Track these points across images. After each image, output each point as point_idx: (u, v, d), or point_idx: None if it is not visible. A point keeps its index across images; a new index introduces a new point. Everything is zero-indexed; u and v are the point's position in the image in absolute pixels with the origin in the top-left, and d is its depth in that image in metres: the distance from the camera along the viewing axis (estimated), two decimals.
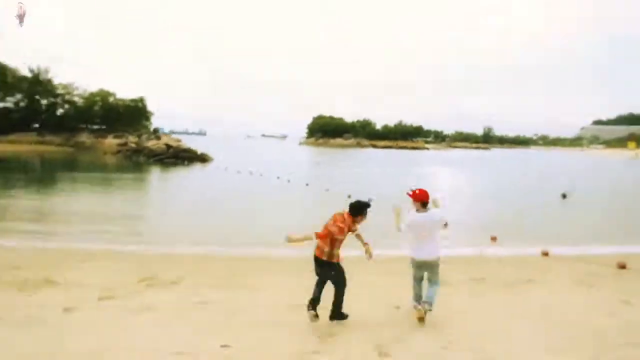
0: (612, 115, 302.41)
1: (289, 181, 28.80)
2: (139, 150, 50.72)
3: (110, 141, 59.22)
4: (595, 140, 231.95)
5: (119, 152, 52.11)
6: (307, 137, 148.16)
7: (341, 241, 5.27)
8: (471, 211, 18.90)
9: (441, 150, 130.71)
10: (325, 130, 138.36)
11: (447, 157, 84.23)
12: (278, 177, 30.64)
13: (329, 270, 5.31)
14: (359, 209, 5.33)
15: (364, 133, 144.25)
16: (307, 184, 27.04)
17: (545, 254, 10.98)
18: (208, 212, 17.56)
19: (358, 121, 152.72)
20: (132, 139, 57.01)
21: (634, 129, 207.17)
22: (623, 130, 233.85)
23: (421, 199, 5.81)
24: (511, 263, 9.64)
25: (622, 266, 9.25)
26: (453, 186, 31.54)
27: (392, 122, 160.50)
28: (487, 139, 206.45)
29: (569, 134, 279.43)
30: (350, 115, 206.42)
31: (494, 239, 12.90)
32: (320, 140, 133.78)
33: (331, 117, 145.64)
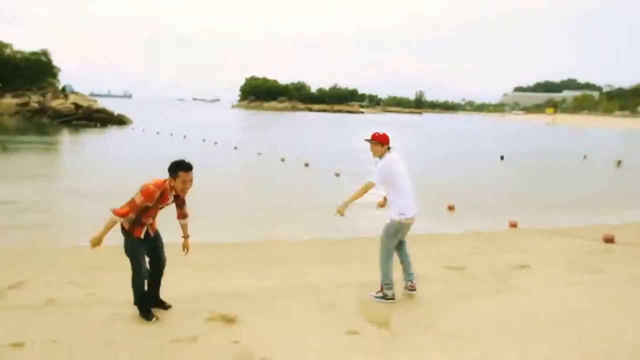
0: (531, 82, 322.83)
1: (215, 144, 25.62)
2: (42, 111, 44.17)
3: (8, 101, 51.22)
4: (516, 106, 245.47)
5: (17, 112, 45.11)
6: (240, 100, 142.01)
7: (144, 213, 3.86)
8: (418, 176, 17.15)
9: (376, 114, 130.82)
10: (258, 92, 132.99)
11: (382, 121, 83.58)
12: (204, 140, 27.30)
13: None
14: (170, 170, 3.87)
15: (299, 96, 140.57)
16: (235, 148, 24.06)
17: (514, 225, 9.29)
18: (114, 182, 14.25)
19: (292, 84, 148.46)
20: (34, 98, 49.65)
21: (551, 96, 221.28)
22: (540, 97, 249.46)
23: (388, 141, 4.68)
24: (484, 241, 7.72)
25: (610, 239, 7.67)
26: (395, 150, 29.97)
27: (327, 85, 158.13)
28: (419, 104, 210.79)
29: (493, 99, 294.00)
30: (284, 77, 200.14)
31: (451, 208, 11.09)
32: (253, 104, 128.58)
33: (264, 79, 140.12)
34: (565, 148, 35.70)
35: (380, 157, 4.58)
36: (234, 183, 14.30)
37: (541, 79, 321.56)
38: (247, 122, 63.09)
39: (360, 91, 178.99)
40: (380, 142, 4.58)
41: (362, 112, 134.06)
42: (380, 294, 4.62)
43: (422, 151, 28.84)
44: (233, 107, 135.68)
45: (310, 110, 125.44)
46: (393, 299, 4.58)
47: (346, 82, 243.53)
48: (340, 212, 4.51)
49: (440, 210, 10.93)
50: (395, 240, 4.59)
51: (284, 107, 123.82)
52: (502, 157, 24.28)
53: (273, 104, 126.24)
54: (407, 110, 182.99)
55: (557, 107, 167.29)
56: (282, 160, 18.97)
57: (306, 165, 17.66)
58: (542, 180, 17.66)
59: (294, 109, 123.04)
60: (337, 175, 15.46)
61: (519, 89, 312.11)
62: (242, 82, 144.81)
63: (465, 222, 9.90)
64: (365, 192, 4.46)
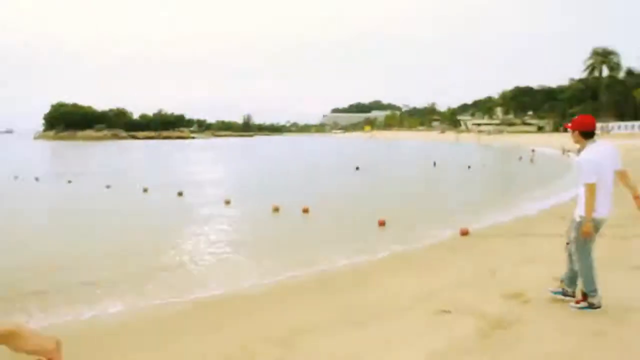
0: (346, 104, 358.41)
1: (16, 178, 20.11)
2: None
3: None
4: (335, 126, 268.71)
5: None
6: (45, 130, 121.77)
7: None
8: (292, 193, 15.84)
9: (208, 139, 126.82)
10: (70, 120, 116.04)
11: (218, 145, 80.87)
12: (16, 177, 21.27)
13: None
14: None
15: (120, 123, 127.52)
16: (36, 179, 19.22)
17: (466, 233, 8.59)
18: None
19: (111, 110, 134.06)
20: None
21: (365, 115, 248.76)
22: (355, 116, 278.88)
23: (592, 127, 4.07)
24: (460, 257, 6.68)
25: None
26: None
27: (150, 111, 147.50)
28: (248, 128, 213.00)
29: (314, 120, 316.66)
30: (100, 104, 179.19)
31: (382, 223, 9.94)
32: (64, 134, 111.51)
33: (75, 105, 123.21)
34: (404, 159, 39.08)
35: (583, 148, 4.01)
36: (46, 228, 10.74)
37: (353, 101, 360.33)
38: (63, 153, 53.49)
39: (187, 116, 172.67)
40: (580, 130, 3.99)
41: (194, 137, 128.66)
42: (584, 304, 4.04)
43: (287, 169, 27.86)
44: (36, 138, 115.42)
45: (135, 138, 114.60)
46: (600, 306, 4.01)
47: (171, 107, 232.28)
48: (587, 233, 3.93)
49: (370, 227, 9.74)
50: (592, 240, 4.05)
51: (102, 135, 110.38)
52: (357, 168, 25.17)
53: (89, 132, 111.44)
54: (237, 133, 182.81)
55: (372, 124, 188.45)
56: (145, 190, 15.55)
57: (180, 194, 14.79)
58: (425, 187, 18.22)
59: (115, 137, 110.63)
60: (228, 202, 13.14)
61: (335, 110, 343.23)
62: (46, 109, 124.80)
63: (411, 235, 8.87)
64: (593, 196, 3.86)
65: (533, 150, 34.55)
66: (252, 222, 10.56)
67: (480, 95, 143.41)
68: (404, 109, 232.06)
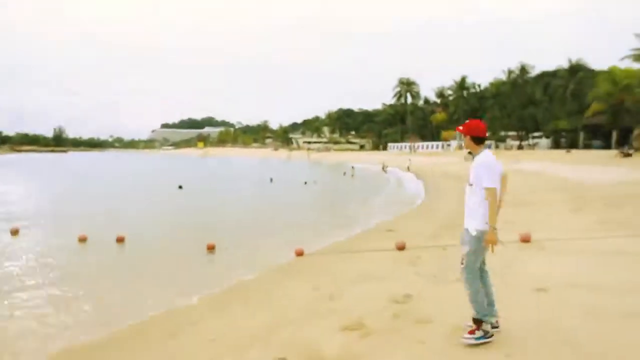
0: (176, 120, 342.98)
1: None
2: None
3: None
4: (165, 142, 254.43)
5: None
6: None
7: None
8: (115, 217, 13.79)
9: (5, 155, 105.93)
10: None
11: (20, 161, 67.96)
12: None
13: None
14: None
15: None
16: None
17: (300, 254, 8.17)
18: None
19: None
20: None
21: (197, 132, 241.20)
22: (186, 132, 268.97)
23: (485, 133, 3.79)
24: (297, 282, 6.20)
25: (401, 247, 7.68)
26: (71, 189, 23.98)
27: None
28: (60, 142, 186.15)
29: (142, 136, 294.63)
30: None
31: (211, 247, 8.90)
32: None
33: None
34: (239, 175, 38.35)
35: (477, 154, 3.73)
36: None
37: (185, 116, 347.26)
38: None
39: None
40: (472, 135, 3.71)
41: None
42: (480, 333, 3.56)
43: (100, 188, 24.30)
44: None
45: None
46: (492, 335, 3.60)
47: None
48: (494, 241, 3.50)
49: (198, 251, 8.66)
50: (482, 256, 3.72)
51: None
52: (180, 187, 23.46)
53: None
54: (47, 149, 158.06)
55: (206, 141, 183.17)
56: None
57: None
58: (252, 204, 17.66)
59: None
60: (16, 232, 10.40)
61: (165, 126, 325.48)
62: None
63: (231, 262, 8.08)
64: (496, 200, 3.55)
65: (353, 167, 37.84)
66: (50, 259, 8.42)
67: (310, 114, 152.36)
68: (237, 126, 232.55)
